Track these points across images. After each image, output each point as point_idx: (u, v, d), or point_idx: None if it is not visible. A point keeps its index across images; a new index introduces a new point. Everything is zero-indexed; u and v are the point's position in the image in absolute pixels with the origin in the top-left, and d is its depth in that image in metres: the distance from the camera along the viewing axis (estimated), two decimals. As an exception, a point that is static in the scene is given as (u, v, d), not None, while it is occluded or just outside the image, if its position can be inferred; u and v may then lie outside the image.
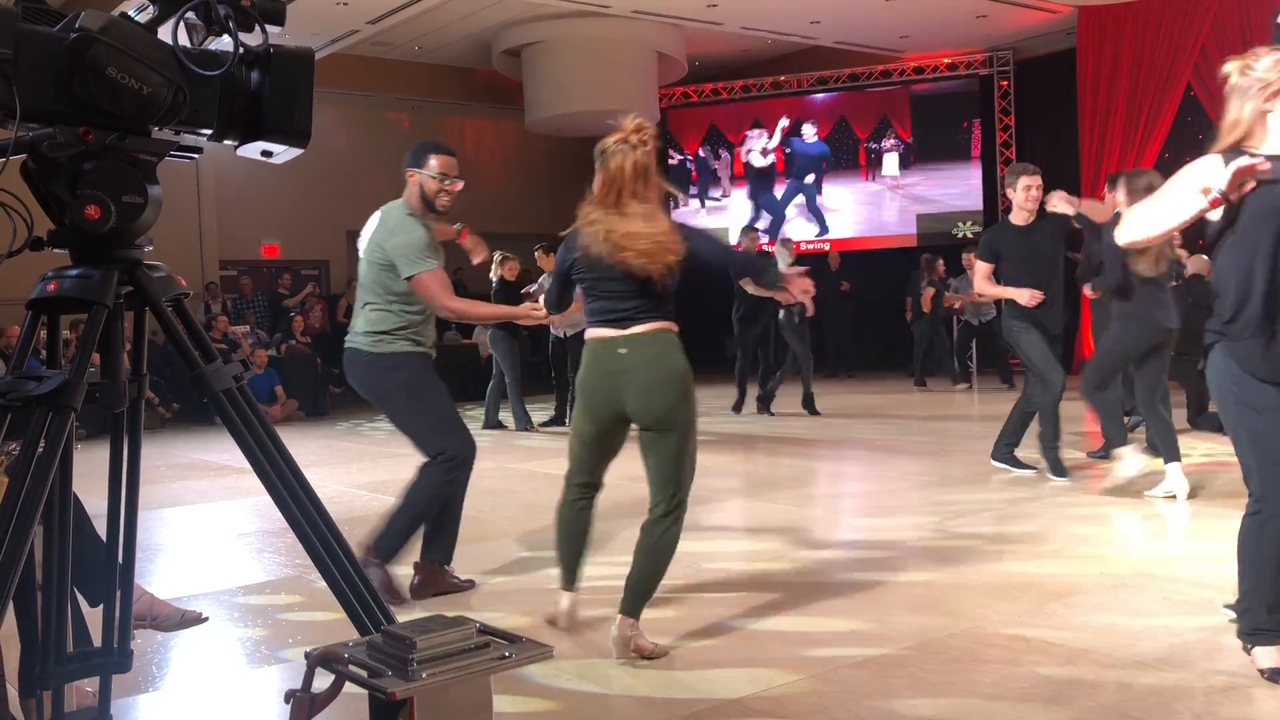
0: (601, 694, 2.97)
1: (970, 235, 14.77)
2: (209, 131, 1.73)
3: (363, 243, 4.14)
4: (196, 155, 1.81)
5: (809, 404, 10.02)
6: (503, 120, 17.35)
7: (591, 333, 3.36)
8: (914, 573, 4.19)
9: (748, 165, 16.58)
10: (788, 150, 16.35)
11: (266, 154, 1.78)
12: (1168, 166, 12.97)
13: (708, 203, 17.02)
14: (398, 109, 16.72)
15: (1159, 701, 2.72)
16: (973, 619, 3.49)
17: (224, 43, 1.70)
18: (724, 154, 16.82)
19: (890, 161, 15.90)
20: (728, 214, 16.77)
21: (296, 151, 1.80)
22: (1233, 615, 3.24)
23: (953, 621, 3.47)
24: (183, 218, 13.93)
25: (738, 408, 10.23)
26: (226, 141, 1.77)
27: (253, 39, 1.70)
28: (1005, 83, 15.30)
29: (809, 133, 16.21)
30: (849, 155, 16.12)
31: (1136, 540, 4.53)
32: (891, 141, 15.86)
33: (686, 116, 16.92)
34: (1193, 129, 13.08)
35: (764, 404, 10.18)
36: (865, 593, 3.88)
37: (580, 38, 13.95)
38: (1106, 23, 13.20)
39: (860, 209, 16.08)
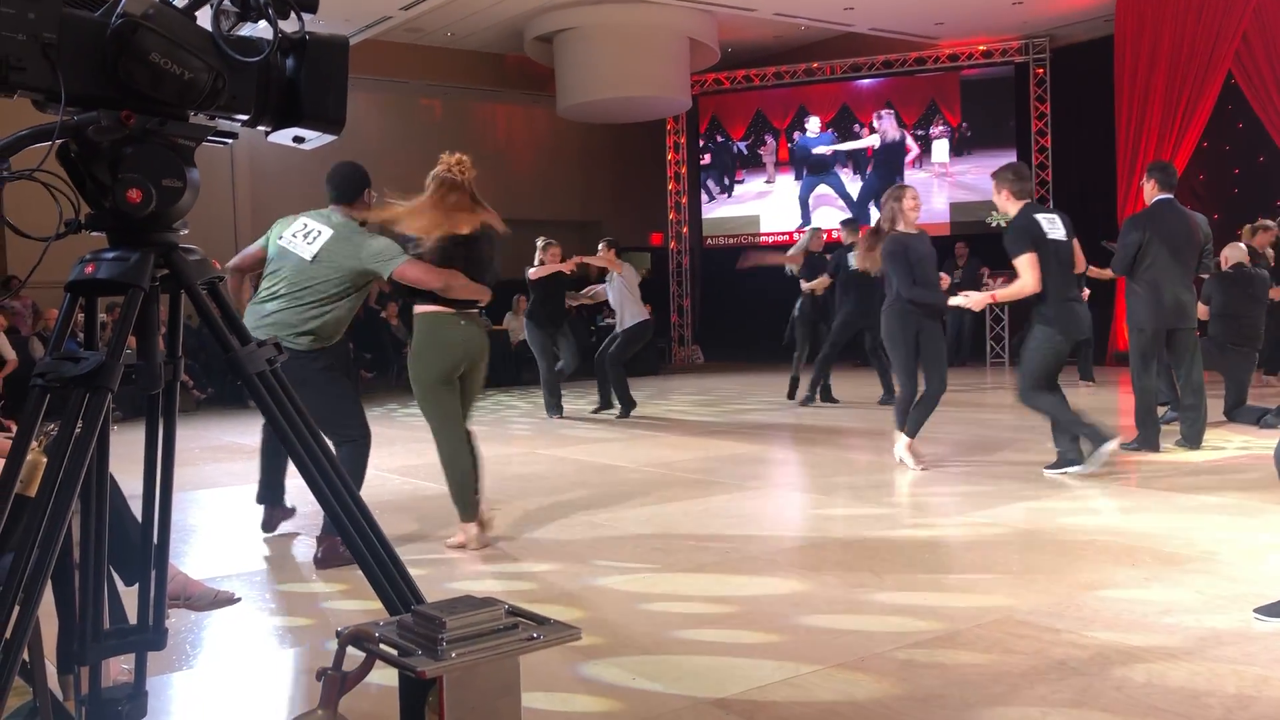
0: (630, 679, 2.98)
1: (1002, 225, 14.64)
2: (245, 117, 1.75)
3: (304, 243, 4.57)
4: (232, 140, 1.83)
5: (793, 390, 10.17)
6: (534, 107, 17.36)
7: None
8: (943, 562, 4.17)
9: (793, 151, 16.45)
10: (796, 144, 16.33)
11: (298, 140, 1.80)
12: (1206, 156, 12.84)
13: (741, 188, 16.93)
14: (430, 95, 16.77)
15: (1189, 695, 2.70)
16: (1001, 609, 3.47)
17: (256, 29, 1.71)
18: (769, 140, 16.69)
19: (940, 149, 15.69)
20: (772, 199, 16.69)
21: (328, 138, 1.82)
22: (1260, 618, 3.21)
23: (981, 611, 3.46)
24: (217, 203, 14.06)
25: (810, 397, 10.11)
26: (260, 128, 1.79)
27: (288, 26, 1.71)
28: (1041, 70, 15.13)
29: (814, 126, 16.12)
30: (898, 142, 15.90)
31: (1169, 533, 4.48)
32: (940, 128, 15.66)
33: (734, 101, 16.77)
34: (1233, 118, 12.90)
35: (823, 393, 10.18)
36: (891, 583, 3.87)
37: (613, 24, 13.92)
38: (1146, 8, 13.00)
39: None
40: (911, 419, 6.23)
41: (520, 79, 16.83)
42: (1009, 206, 6.00)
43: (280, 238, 4.64)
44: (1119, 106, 13.30)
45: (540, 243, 9.44)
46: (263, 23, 1.66)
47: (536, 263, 9.36)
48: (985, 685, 2.82)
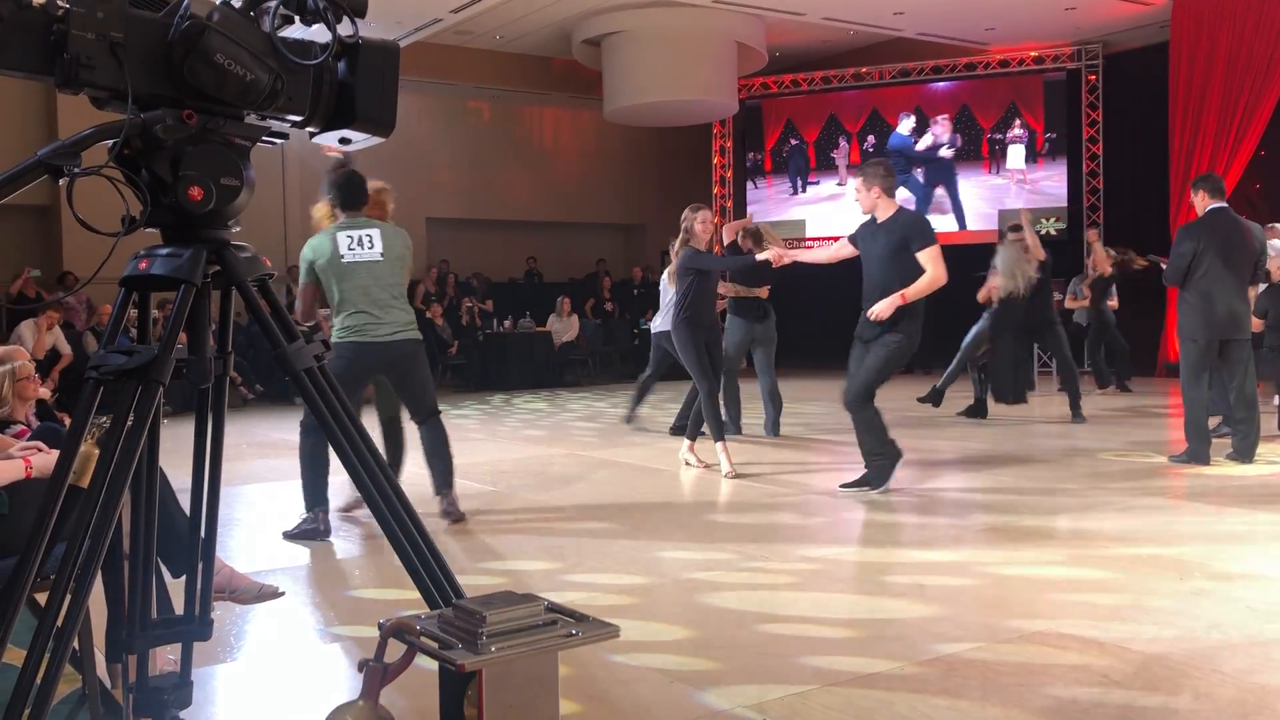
0: (666, 679, 2.98)
1: (1053, 233, 14.43)
2: (299, 118, 1.77)
3: (364, 250, 4.97)
4: (282, 140, 1.85)
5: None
6: (581, 110, 17.42)
7: None
8: (986, 571, 4.13)
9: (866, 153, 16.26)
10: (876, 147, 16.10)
11: (345, 141, 1.82)
12: (1263, 165, 12.58)
13: (811, 189, 16.76)
14: (478, 98, 16.88)
15: (1239, 714, 2.66)
16: (1045, 620, 3.43)
17: (309, 32, 1.74)
18: (842, 142, 16.56)
19: (1015, 154, 15.36)
20: (846, 200, 16.56)
21: (375, 140, 1.85)
22: None
23: (1025, 622, 3.42)
24: (267, 201, 14.24)
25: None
26: (309, 129, 1.81)
27: (341, 30, 1.73)
28: (1093, 77, 14.93)
29: (905, 127, 15.89)
30: (973, 146, 15.60)
31: (1218, 548, 4.41)
32: (1016, 132, 15.34)
33: (807, 104, 16.63)
34: (1291, 126, 12.65)
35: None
36: (935, 590, 3.84)
37: (661, 27, 13.93)
38: (1203, 15, 12.78)
39: (981, 203, 15.56)
40: (697, 422, 6.63)
41: (567, 82, 16.90)
42: (881, 205, 5.68)
43: (339, 258, 4.92)
44: (1173, 114, 13.09)
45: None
46: (317, 25, 1.69)
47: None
48: (1027, 697, 2.79)
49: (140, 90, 1.62)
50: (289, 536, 4.89)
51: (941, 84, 15.76)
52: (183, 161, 1.66)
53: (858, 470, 5.79)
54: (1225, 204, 6.52)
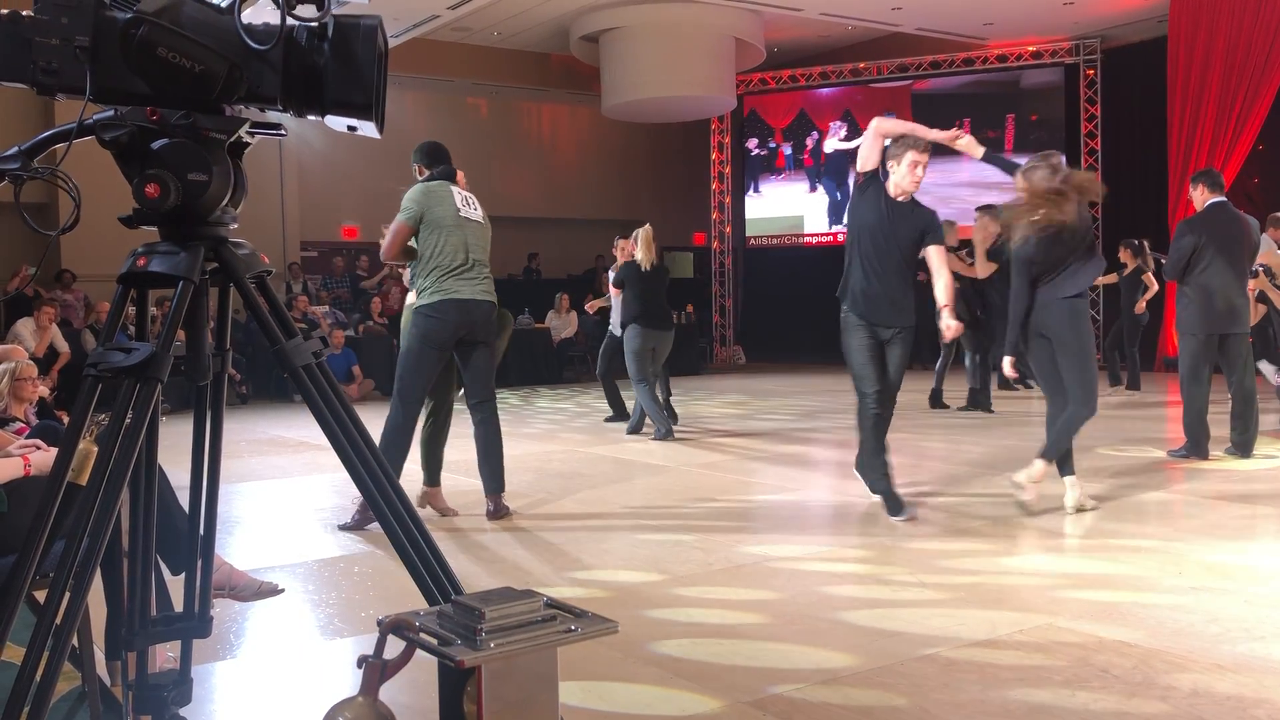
0: (666, 674, 2.98)
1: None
2: (269, 107, 1.73)
3: (473, 211, 5.15)
4: (282, 134, 1.84)
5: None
6: (579, 106, 17.41)
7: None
8: (985, 567, 4.13)
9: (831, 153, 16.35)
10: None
11: (352, 128, 1.78)
12: (1262, 159, 12.58)
13: (785, 188, 16.83)
14: (476, 94, 16.87)
15: (1237, 706, 2.66)
16: (1044, 615, 3.44)
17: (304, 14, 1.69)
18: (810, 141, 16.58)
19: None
20: (818, 198, 16.58)
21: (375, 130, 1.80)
22: None
23: (1024, 616, 3.42)
24: (265, 199, 14.22)
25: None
26: (310, 117, 1.78)
27: (309, 11, 1.66)
28: (1091, 72, 14.92)
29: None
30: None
31: (1216, 542, 4.41)
32: (996, 133, 15.31)
33: (804, 99, 16.63)
34: (1290, 120, 12.65)
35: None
36: (934, 585, 3.85)
37: (659, 23, 13.92)
38: (1202, 9, 12.77)
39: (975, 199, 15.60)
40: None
41: (565, 78, 16.89)
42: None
43: (456, 211, 5.08)
44: (1171, 108, 13.08)
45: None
46: (303, 7, 1.64)
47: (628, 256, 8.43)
48: (1027, 692, 2.79)
49: (114, 90, 1.63)
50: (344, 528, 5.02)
51: (933, 81, 15.79)
52: (149, 159, 1.66)
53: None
54: (1224, 199, 6.52)
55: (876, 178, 5.14)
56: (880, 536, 4.69)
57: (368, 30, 1.66)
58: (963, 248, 9.33)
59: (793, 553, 4.40)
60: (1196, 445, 6.48)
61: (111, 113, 1.65)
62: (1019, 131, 15.34)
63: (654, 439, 7.86)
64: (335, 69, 1.66)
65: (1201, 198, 6.55)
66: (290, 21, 1.62)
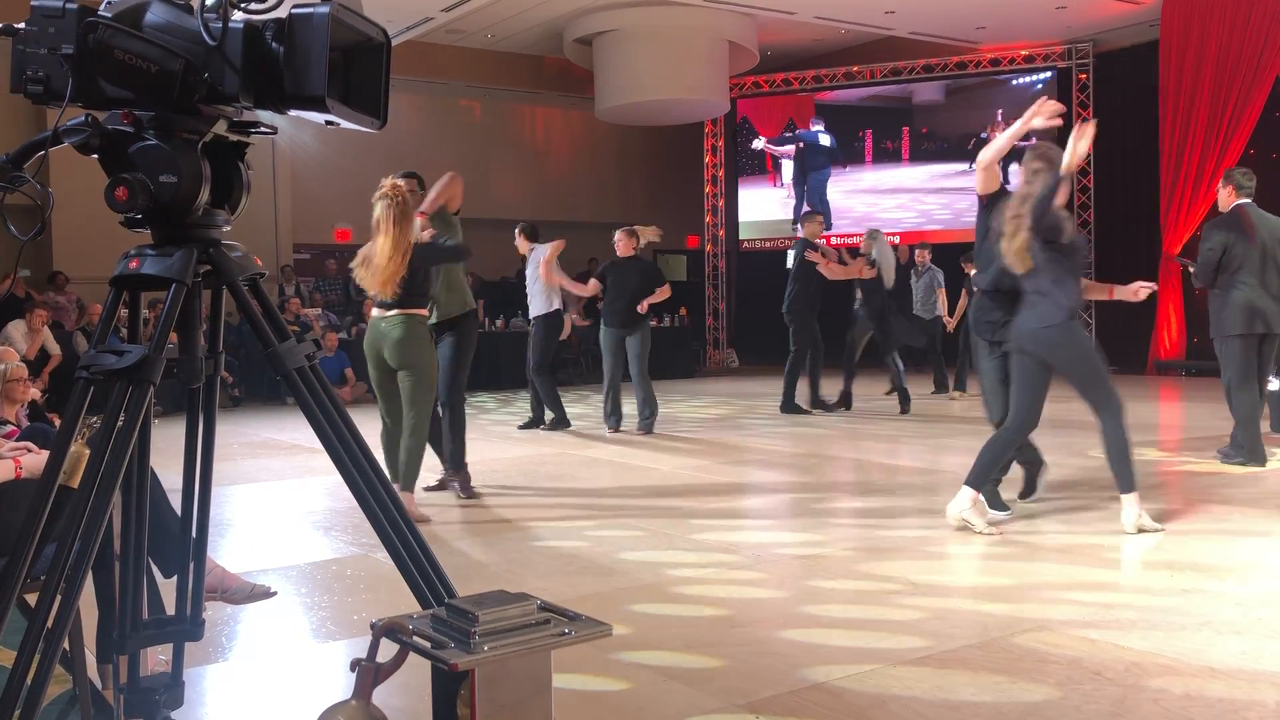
0: (660, 677, 2.98)
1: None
2: (230, 104, 1.71)
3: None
4: (270, 132, 1.84)
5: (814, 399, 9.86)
6: (573, 109, 17.41)
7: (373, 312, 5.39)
8: (979, 569, 4.14)
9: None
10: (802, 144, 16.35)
11: (331, 123, 1.76)
12: (1253, 164, 12.69)
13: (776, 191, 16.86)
14: (470, 96, 16.86)
15: (1229, 709, 2.66)
16: (1038, 617, 3.44)
17: (268, 7, 1.66)
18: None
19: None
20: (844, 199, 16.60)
21: (360, 125, 1.76)
22: None
23: (1017, 621, 3.43)
24: (258, 201, 14.17)
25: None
26: (293, 113, 1.75)
27: (260, 5, 1.65)
28: (1084, 76, 14.96)
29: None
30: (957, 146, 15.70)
31: (1210, 548, 4.42)
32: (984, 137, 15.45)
33: (798, 103, 16.68)
34: (1280, 125, 12.68)
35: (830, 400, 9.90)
36: (928, 588, 3.85)
37: (652, 26, 13.94)
38: (1193, 13, 12.81)
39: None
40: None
41: (559, 81, 16.89)
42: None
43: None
44: (1163, 112, 13.12)
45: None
46: (258, 3, 1.62)
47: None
48: (1019, 694, 2.79)
49: (95, 95, 1.65)
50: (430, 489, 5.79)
51: (921, 85, 15.84)
52: (124, 161, 1.67)
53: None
54: (1251, 200, 6.31)
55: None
56: (871, 538, 4.69)
57: (319, 20, 1.62)
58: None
59: (790, 552, 4.40)
60: (1253, 451, 6.28)
61: (81, 119, 1.66)
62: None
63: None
64: (290, 61, 1.64)
65: (1228, 199, 6.38)
66: (237, 15, 1.62)
